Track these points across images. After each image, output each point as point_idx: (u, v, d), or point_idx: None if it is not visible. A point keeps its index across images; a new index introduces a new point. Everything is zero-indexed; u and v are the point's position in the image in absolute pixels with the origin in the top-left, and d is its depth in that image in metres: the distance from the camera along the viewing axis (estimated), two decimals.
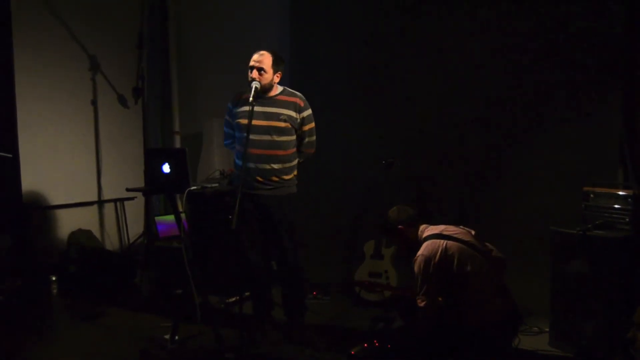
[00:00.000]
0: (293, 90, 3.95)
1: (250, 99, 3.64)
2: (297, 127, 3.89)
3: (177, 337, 3.82)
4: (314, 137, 4.01)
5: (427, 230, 3.56)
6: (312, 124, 3.97)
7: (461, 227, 3.58)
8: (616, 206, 3.60)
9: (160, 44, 6.17)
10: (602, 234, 3.51)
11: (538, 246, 4.01)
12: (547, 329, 3.84)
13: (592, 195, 3.72)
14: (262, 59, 3.79)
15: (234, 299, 4.61)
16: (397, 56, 5.06)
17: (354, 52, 5.30)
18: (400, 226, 3.61)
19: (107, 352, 3.79)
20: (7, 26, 4.91)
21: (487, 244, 3.59)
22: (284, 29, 5.67)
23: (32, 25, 5.11)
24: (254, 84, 3.72)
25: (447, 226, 3.56)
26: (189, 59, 6.25)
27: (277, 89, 3.89)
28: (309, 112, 3.93)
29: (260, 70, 3.76)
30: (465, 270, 3.33)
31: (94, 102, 5.65)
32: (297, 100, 3.88)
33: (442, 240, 3.41)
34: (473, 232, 3.58)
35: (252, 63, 3.79)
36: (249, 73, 3.79)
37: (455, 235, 3.45)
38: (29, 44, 5.08)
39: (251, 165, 3.76)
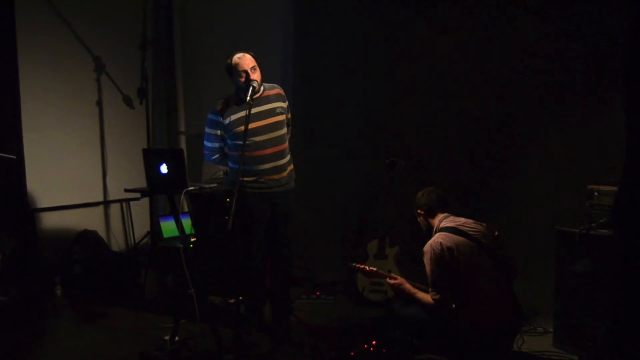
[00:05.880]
0: (270, 83, 3.91)
1: (248, 98, 3.57)
2: (286, 115, 3.90)
3: (177, 338, 3.81)
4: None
5: (446, 220, 3.44)
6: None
7: (484, 224, 3.44)
8: None
9: (165, 44, 6.17)
10: (606, 232, 3.43)
11: (542, 245, 3.94)
12: (552, 329, 3.78)
13: (596, 194, 3.64)
14: (249, 59, 3.72)
15: (234, 299, 4.58)
16: (401, 56, 5.03)
17: (357, 52, 5.27)
18: (419, 210, 3.55)
19: (108, 354, 3.78)
20: (11, 28, 4.94)
21: (506, 251, 3.45)
22: (288, 29, 5.65)
23: (36, 27, 5.12)
24: (253, 83, 3.66)
25: (467, 220, 3.43)
26: (194, 59, 6.24)
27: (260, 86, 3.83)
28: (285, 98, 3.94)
29: (253, 69, 3.71)
30: (467, 268, 3.24)
31: (99, 103, 5.65)
32: (279, 91, 3.90)
33: (449, 235, 3.31)
34: (496, 233, 3.45)
35: (245, 67, 3.69)
36: (244, 76, 3.69)
37: (469, 232, 3.32)
38: (33, 45, 5.09)
39: (265, 166, 3.73)
